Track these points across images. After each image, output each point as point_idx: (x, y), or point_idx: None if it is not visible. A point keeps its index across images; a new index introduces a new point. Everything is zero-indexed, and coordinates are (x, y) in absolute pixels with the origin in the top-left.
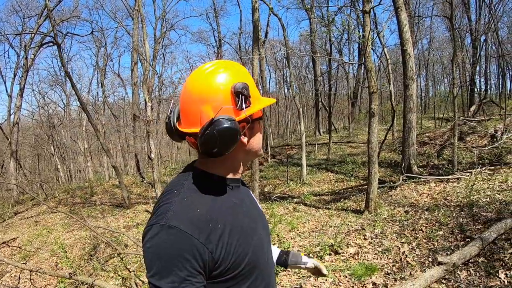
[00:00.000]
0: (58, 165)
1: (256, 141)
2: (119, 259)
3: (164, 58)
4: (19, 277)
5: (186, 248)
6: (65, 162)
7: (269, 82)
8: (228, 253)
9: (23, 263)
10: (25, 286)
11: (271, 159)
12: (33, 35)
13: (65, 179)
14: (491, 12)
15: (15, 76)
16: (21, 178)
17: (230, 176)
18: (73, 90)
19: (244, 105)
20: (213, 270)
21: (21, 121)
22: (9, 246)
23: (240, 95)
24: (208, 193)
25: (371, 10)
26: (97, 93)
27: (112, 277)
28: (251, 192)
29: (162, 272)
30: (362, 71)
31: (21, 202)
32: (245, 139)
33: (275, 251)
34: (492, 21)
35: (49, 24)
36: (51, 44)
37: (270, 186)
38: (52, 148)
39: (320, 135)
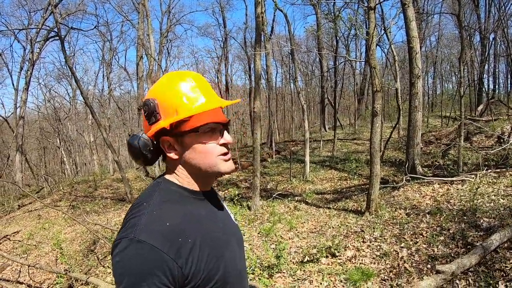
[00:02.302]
0: (64, 158)
1: (199, 156)
2: None
3: (168, 53)
4: (20, 271)
5: (155, 264)
6: (71, 155)
7: (275, 77)
8: (199, 268)
9: (23, 257)
10: (25, 280)
11: (275, 155)
12: (38, 29)
13: (71, 172)
14: (501, 10)
15: (21, 70)
16: (26, 172)
17: (195, 189)
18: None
19: (149, 121)
20: (183, 286)
21: (27, 114)
22: (10, 239)
23: (143, 111)
24: (178, 205)
25: (377, 6)
26: (103, 86)
27: (110, 273)
28: (224, 203)
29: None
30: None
31: (26, 195)
32: (171, 154)
33: None
34: (501, 19)
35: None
36: (56, 38)
37: (273, 183)
38: (58, 141)
39: (326, 131)
